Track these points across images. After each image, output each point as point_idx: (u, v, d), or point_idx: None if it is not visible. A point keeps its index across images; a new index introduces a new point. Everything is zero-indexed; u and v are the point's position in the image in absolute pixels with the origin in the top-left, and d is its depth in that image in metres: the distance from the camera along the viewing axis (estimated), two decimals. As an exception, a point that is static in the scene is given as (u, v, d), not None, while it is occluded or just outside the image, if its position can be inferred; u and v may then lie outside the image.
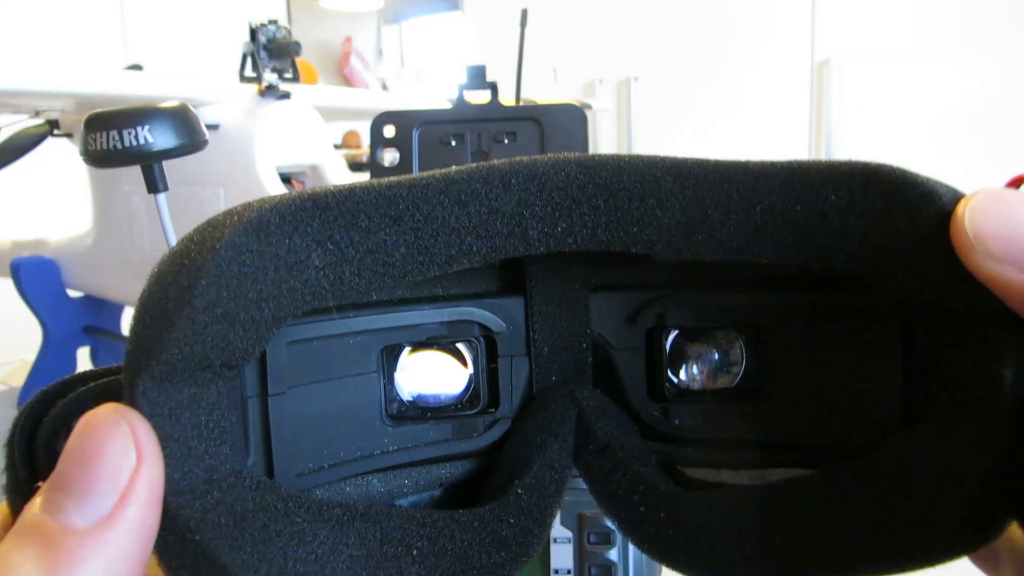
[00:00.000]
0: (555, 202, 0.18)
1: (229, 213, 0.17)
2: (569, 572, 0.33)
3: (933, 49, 1.65)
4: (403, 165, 0.45)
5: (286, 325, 0.18)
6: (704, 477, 0.22)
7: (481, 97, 0.45)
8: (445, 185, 0.18)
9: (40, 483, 0.16)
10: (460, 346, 0.22)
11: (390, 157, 0.46)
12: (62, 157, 1.03)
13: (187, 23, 2.04)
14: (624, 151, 2.05)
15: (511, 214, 0.18)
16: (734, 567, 0.18)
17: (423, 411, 0.22)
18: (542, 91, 0.95)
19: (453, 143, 0.45)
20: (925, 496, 0.16)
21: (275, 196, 0.17)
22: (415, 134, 0.45)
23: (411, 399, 0.22)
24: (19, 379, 1.00)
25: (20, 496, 0.16)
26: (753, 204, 0.17)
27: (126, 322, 1.02)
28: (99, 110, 0.50)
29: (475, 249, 0.18)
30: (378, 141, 0.45)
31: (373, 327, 0.21)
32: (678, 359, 0.22)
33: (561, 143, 0.45)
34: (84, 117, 0.49)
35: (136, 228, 0.84)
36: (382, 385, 0.21)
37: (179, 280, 0.16)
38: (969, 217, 0.15)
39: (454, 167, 0.19)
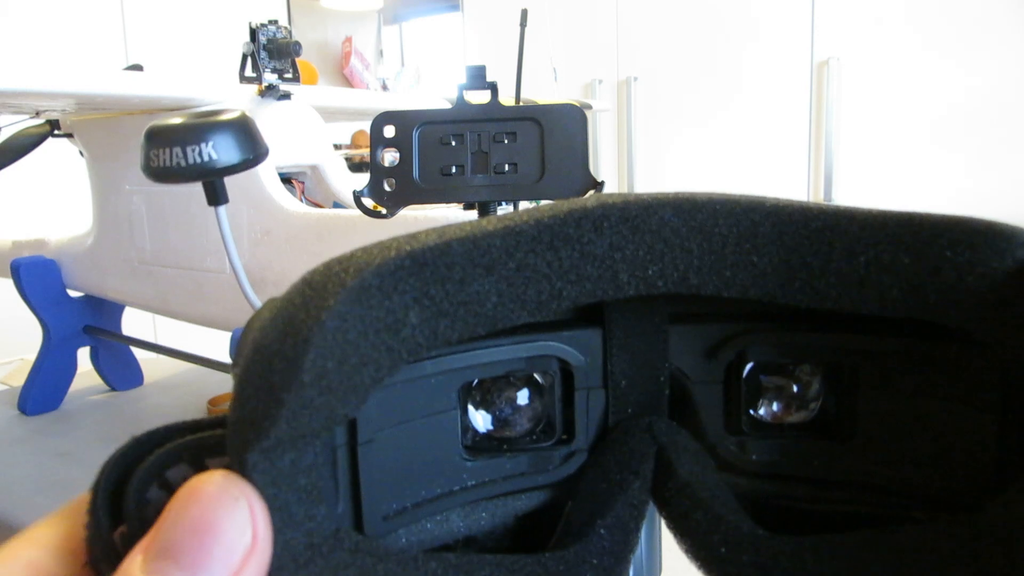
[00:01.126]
0: (647, 245, 0.18)
1: (327, 272, 0.17)
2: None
3: (933, 49, 1.65)
4: (403, 165, 0.45)
5: None
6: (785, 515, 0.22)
7: (481, 97, 0.45)
8: (538, 231, 0.18)
9: (122, 528, 0.15)
10: (536, 376, 0.22)
11: (390, 157, 0.46)
12: (62, 157, 1.04)
13: (187, 23, 2.05)
14: (624, 151, 2.04)
15: (602, 257, 0.18)
16: None
17: (499, 443, 0.22)
18: (542, 91, 0.95)
19: (453, 143, 0.45)
20: None
21: (370, 250, 0.17)
22: (415, 134, 0.45)
23: (487, 431, 0.22)
24: (19, 379, 1.00)
25: (101, 544, 0.16)
26: (857, 254, 0.17)
27: (126, 322, 1.02)
28: (160, 123, 0.49)
29: (565, 294, 0.18)
30: (378, 141, 0.45)
31: (454, 367, 0.20)
32: (756, 393, 0.22)
33: (561, 143, 0.45)
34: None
35: (136, 228, 0.84)
36: (460, 420, 0.21)
37: (284, 351, 0.16)
38: None
39: (544, 208, 0.18)
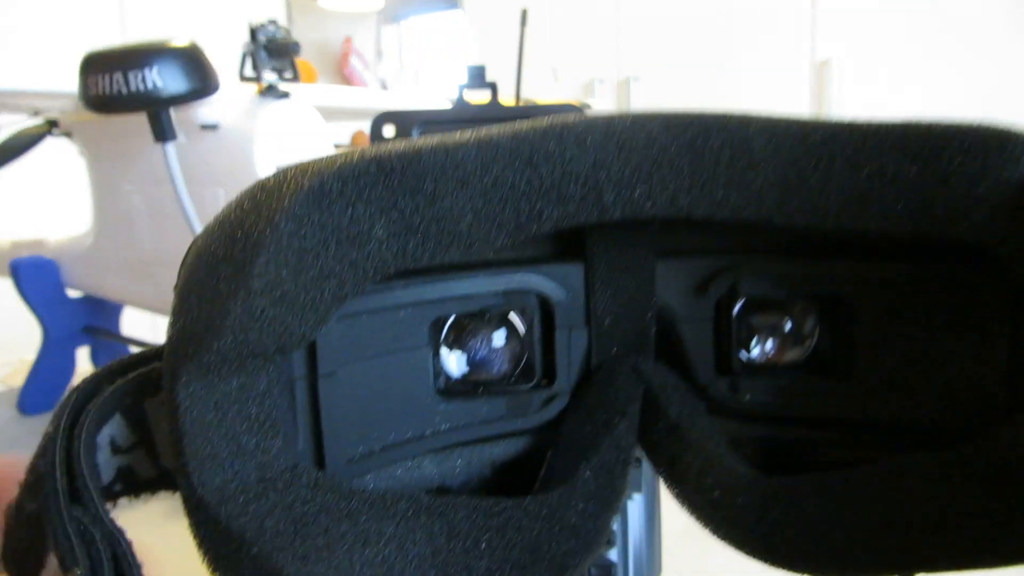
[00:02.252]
0: (634, 163, 0.17)
1: (283, 176, 0.15)
2: (569, 572, 0.32)
3: (933, 49, 1.64)
4: (403, 165, 0.45)
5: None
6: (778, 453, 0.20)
7: (481, 97, 0.45)
8: (515, 144, 0.17)
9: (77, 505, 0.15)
10: (513, 315, 0.20)
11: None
12: (62, 157, 1.03)
13: (187, 23, 2.04)
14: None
15: (586, 177, 0.17)
16: (820, 557, 0.17)
17: (475, 386, 0.21)
18: (542, 91, 0.95)
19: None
20: None
21: (332, 156, 0.16)
22: (415, 134, 0.45)
23: (462, 373, 0.21)
24: (19, 379, 1.00)
25: (55, 506, 0.15)
26: (859, 167, 0.16)
27: (126, 322, 1.02)
28: (100, 48, 0.45)
29: (546, 215, 0.17)
30: (378, 141, 0.45)
31: (425, 298, 0.19)
32: (748, 331, 0.20)
33: (561, 143, 0.45)
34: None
35: (136, 228, 0.84)
36: (432, 359, 0.20)
37: (233, 256, 0.14)
38: None
39: (526, 123, 0.17)
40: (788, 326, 0.20)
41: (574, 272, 0.20)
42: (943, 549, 0.16)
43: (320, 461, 0.18)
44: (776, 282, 0.20)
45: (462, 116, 0.45)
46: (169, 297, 0.16)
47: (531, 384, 0.21)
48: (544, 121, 0.17)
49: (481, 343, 0.21)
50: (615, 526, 0.31)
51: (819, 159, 0.16)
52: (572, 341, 0.20)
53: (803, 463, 0.20)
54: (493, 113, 0.45)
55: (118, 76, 0.43)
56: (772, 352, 0.20)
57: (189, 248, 0.16)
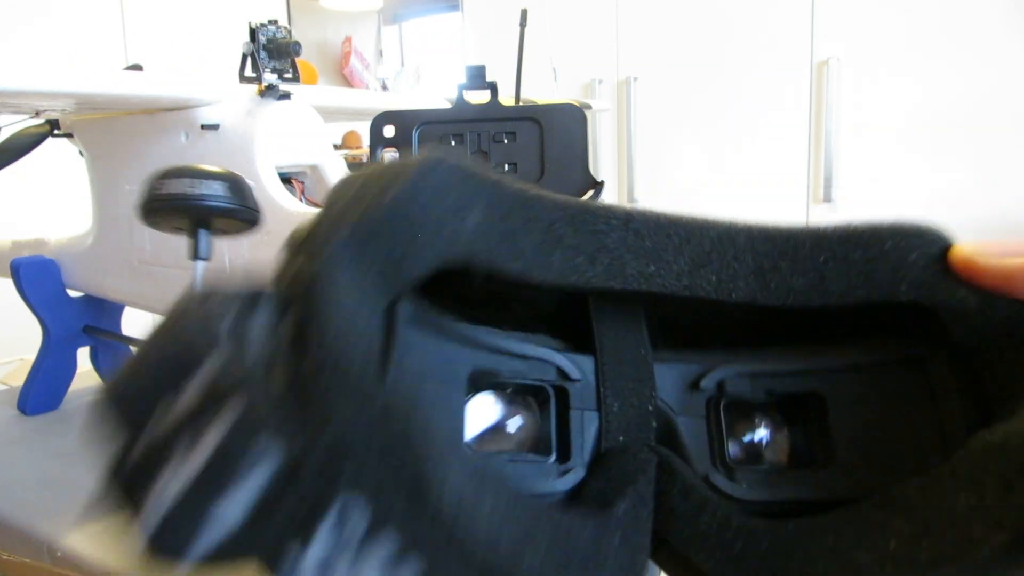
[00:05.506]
0: (647, 247, 0.21)
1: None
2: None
3: (933, 49, 1.65)
4: (403, 165, 0.45)
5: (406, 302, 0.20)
6: None
7: (481, 97, 0.45)
8: (564, 209, 0.21)
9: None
10: (531, 399, 0.23)
11: (390, 157, 0.46)
12: (62, 157, 1.04)
13: (187, 23, 2.05)
14: (624, 151, 2.04)
15: (613, 249, 0.21)
16: None
17: (498, 451, 0.23)
18: (542, 91, 0.95)
19: (453, 143, 0.45)
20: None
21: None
22: (415, 134, 0.45)
23: (481, 436, 0.23)
24: (19, 379, 1.00)
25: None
26: (818, 254, 0.21)
27: (126, 322, 1.02)
28: (165, 168, 0.51)
29: (582, 269, 0.21)
30: (378, 141, 0.45)
31: (472, 338, 0.22)
32: (740, 426, 0.23)
33: (561, 143, 0.45)
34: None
35: (136, 228, 0.84)
36: (463, 420, 0.22)
37: (376, 183, 0.18)
38: (967, 243, 0.20)
39: (573, 199, 0.21)
40: (769, 423, 0.23)
41: (586, 362, 0.23)
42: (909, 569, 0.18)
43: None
44: (756, 380, 0.23)
45: (462, 116, 0.45)
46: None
47: (548, 459, 0.23)
48: (585, 202, 0.21)
49: (504, 414, 0.23)
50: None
51: (786, 249, 0.21)
52: (585, 422, 0.22)
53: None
54: (493, 113, 0.45)
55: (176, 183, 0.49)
56: (758, 446, 0.23)
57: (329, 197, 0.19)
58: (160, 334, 0.17)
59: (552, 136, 0.45)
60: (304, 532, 0.16)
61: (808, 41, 1.77)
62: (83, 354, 1.00)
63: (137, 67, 0.89)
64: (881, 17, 1.69)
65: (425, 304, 0.21)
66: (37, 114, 0.86)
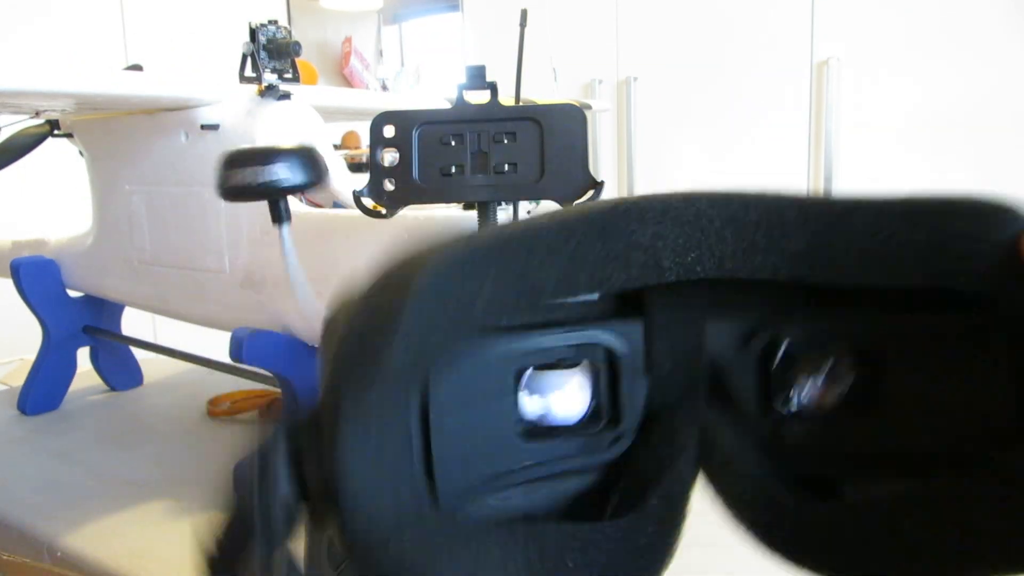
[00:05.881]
0: (686, 235, 0.20)
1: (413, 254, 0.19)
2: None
3: (933, 49, 1.65)
4: (403, 165, 0.45)
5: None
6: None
7: (481, 97, 0.45)
8: (589, 221, 0.20)
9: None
10: (582, 370, 0.23)
11: (390, 157, 0.46)
12: (62, 157, 1.03)
13: (187, 23, 2.04)
14: (624, 151, 2.04)
15: (647, 247, 0.20)
16: (860, 569, 0.19)
17: (552, 428, 0.23)
18: (542, 91, 0.95)
19: (453, 143, 0.45)
20: None
21: (458, 239, 0.20)
22: (415, 134, 0.45)
23: (539, 417, 0.23)
24: (19, 379, 1.00)
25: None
26: (876, 233, 0.19)
27: (126, 322, 1.02)
28: (237, 149, 0.56)
29: (615, 278, 0.20)
30: (378, 141, 0.45)
31: (512, 349, 0.22)
32: (790, 378, 0.23)
33: (561, 143, 0.45)
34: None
35: (136, 228, 0.84)
36: (515, 406, 0.23)
37: (386, 297, 0.18)
38: None
39: (591, 203, 0.21)
40: (824, 373, 0.23)
41: (635, 329, 0.23)
42: (975, 564, 0.18)
43: (432, 494, 0.20)
44: (812, 335, 0.22)
45: (462, 116, 0.45)
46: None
47: (600, 427, 0.23)
48: (611, 201, 0.20)
49: (556, 390, 0.23)
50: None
51: (841, 227, 0.20)
52: (635, 388, 0.23)
53: (839, 490, 0.23)
54: (493, 113, 0.45)
55: (249, 171, 0.55)
56: (811, 396, 0.23)
57: (332, 315, 0.19)
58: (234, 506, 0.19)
59: (552, 136, 0.45)
60: None
61: (808, 41, 1.77)
62: (83, 354, 1.00)
63: (137, 67, 0.89)
64: (881, 17, 1.69)
65: (466, 338, 0.21)
66: (37, 114, 0.86)
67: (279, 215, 0.58)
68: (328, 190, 0.79)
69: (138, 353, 1.04)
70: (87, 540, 0.64)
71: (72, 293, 0.97)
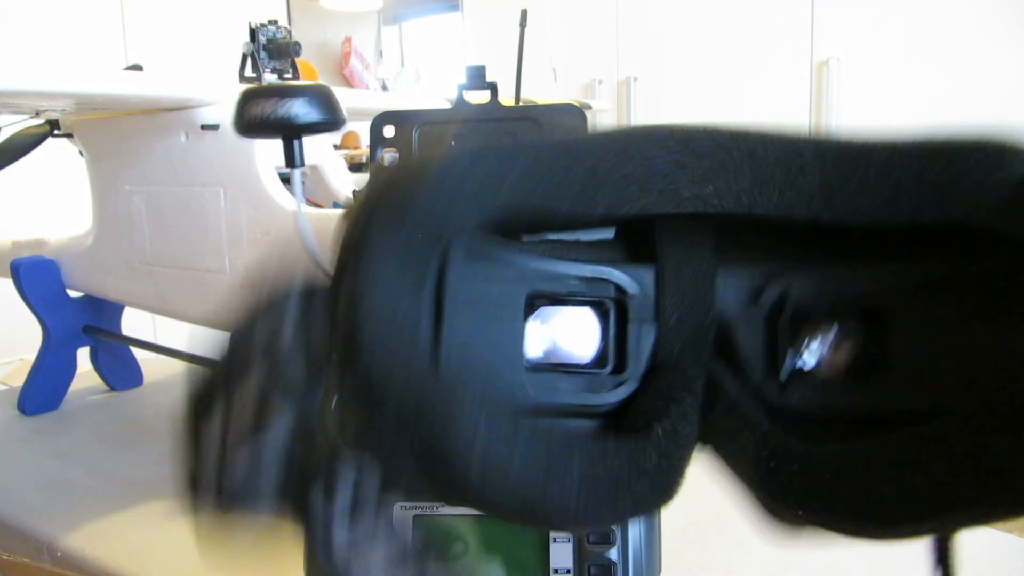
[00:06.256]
0: (706, 166, 0.20)
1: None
2: (569, 572, 0.33)
3: (933, 49, 1.65)
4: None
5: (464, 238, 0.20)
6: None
7: (481, 97, 0.45)
8: (612, 140, 0.20)
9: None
10: (592, 311, 0.23)
11: (389, 157, 0.46)
12: (62, 157, 1.03)
13: (187, 23, 2.04)
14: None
15: (667, 173, 0.20)
16: (873, 515, 0.19)
17: (556, 365, 0.23)
18: (542, 91, 0.95)
19: (453, 143, 0.45)
20: None
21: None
22: (415, 134, 0.45)
23: (546, 351, 0.23)
24: (19, 379, 1.00)
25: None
26: (891, 170, 0.19)
27: (126, 322, 1.02)
28: (253, 86, 0.56)
29: (631, 202, 0.20)
30: (378, 141, 0.45)
31: (526, 267, 0.22)
32: (797, 338, 0.23)
33: (561, 143, 0.45)
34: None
35: (136, 228, 0.84)
36: (523, 333, 0.23)
37: (417, 163, 0.19)
38: None
39: (619, 127, 0.21)
40: (832, 334, 0.23)
41: (647, 274, 0.23)
42: (979, 500, 0.18)
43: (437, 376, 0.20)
44: (821, 292, 0.22)
45: (462, 116, 0.45)
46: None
47: (606, 371, 0.23)
48: (635, 127, 0.21)
49: (565, 326, 0.23)
50: (614, 527, 0.33)
51: (857, 165, 0.19)
52: (642, 334, 0.23)
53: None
54: (493, 113, 0.45)
55: (269, 104, 0.55)
56: (818, 357, 0.22)
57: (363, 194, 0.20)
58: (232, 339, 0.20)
59: (552, 136, 0.44)
60: (326, 485, 0.18)
61: (808, 41, 1.77)
62: (83, 354, 1.00)
63: (137, 67, 0.89)
64: (881, 18, 1.69)
65: (483, 239, 0.21)
66: (37, 114, 0.86)
67: (292, 157, 0.57)
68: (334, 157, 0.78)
69: (138, 353, 1.04)
70: (87, 540, 0.64)
71: (72, 293, 0.97)
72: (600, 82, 2.05)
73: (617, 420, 0.23)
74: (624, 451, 0.20)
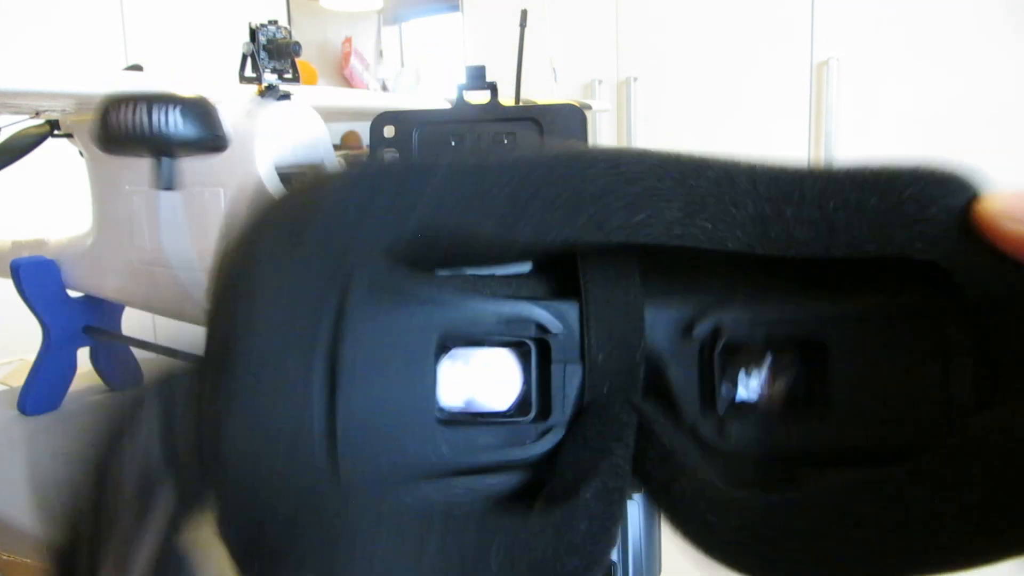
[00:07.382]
0: (635, 192, 0.19)
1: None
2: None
3: (933, 50, 1.65)
4: (403, 165, 0.45)
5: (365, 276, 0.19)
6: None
7: (481, 97, 0.45)
8: (539, 163, 0.19)
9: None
10: (511, 352, 0.22)
11: (390, 157, 0.45)
12: (62, 157, 1.03)
13: (187, 23, 2.04)
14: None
15: (596, 198, 0.19)
16: (816, 568, 0.18)
17: (474, 416, 0.22)
18: (542, 91, 0.95)
19: (453, 143, 0.45)
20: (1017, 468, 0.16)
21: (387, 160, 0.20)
22: (415, 135, 0.45)
23: (463, 403, 0.22)
24: (19, 379, 1.00)
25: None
26: (826, 200, 0.19)
27: (126, 322, 1.02)
28: (118, 93, 0.48)
29: (560, 224, 0.19)
30: (378, 142, 0.45)
31: (437, 307, 0.20)
32: (731, 373, 0.22)
33: (561, 143, 0.45)
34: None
35: (136, 228, 0.84)
36: (434, 384, 0.21)
37: (302, 198, 0.18)
38: (992, 196, 0.18)
39: (549, 148, 0.20)
40: (766, 369, 0.22)
41: (570, 310, 0.21)
42: (932, 550, 0.17)
43: (334, 474, 0.18)
44: (756, 323, 0.21)
45: (462, 117, 0.45)
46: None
47: (529, 418, 0.21)
48: (566, 149, 0.19)
49: (481, 371, 0.22)
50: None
51: (791, 195, 0.19)
52: (567, 376, 0.21)
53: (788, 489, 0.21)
54: (493, 113, 0.45)
55: (135, 115, 0.46)
56: (753, 394, 0.22)
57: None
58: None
59: (552, 136, 0.45)
60: None
61: (808, 41, 1.77)
62: (83, 354, 1.00)
63: (137, 67, 0.89)
64: (881, 18, 1.69)
65: (391, 268, 0.19)
66: (37, 114, 0.86)
67: (160, 178, 0.48)
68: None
69: (138, 353, 1.04)
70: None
71: (72, 293, 0.97)
72: (600, 82, 2.05)
73: (542, 475, 0.21)
74: (549, 526, 0.18)
